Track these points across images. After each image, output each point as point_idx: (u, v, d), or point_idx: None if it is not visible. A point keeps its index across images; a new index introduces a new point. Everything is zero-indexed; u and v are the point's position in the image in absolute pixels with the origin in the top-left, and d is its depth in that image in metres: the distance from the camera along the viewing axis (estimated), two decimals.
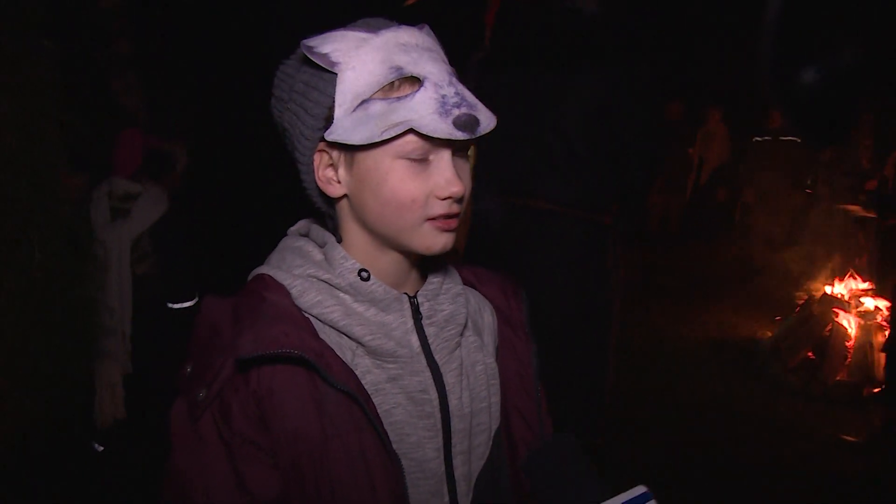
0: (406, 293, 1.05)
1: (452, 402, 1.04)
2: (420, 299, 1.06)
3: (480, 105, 0.97)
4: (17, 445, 2.76)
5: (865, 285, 5.56)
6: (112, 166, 3.34)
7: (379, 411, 0.97)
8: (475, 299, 1.17)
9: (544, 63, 2.45)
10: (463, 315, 1.08)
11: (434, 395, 1.03)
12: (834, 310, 5.40)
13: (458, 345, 1.08)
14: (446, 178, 0.97)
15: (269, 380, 0.94)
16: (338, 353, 0.97)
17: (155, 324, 3.28)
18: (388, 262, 1.04)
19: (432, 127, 0.92)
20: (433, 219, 0.98)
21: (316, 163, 1.00)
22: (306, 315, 1.00)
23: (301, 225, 1.13)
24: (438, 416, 1.03)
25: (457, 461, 1.05)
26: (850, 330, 5.22)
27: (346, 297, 1.02)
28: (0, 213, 2.61)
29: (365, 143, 0.93)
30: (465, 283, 1.15)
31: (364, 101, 0.94)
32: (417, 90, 0.93)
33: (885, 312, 5.16)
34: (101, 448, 3.36)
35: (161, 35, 5.04)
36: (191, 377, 0.98)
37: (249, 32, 4.85)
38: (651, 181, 2.64)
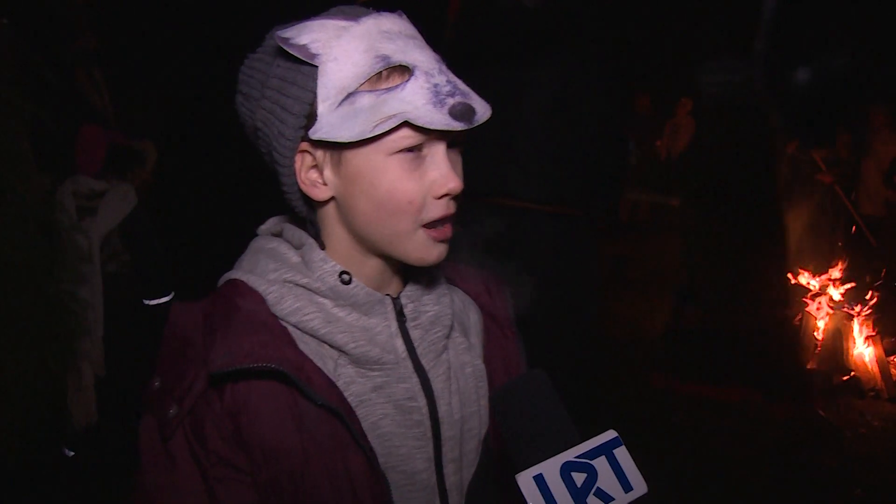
0: (389, 294, 0.99)
1: (442, 408, 0.98)
2: (404, 300, 1.00)
3: (473, 93, 0.91)
4: None
5: (835, 274, 5.64)
6: (76, 164, 3.27)
7: (365, 424, 0.91)
8: (459, 298, 1.10)
9: (500, 59, 2.42)
10: (449, 316, 1.02)
11: (423, 402, 0.97)
12: (804, 300, 5.46)
13: (445, 347, 1.02)
14: (443, 172, 0.90)
15: (245, 395, 0.88)
16: (319, 364, 0.91)
17: (128, 324, 3.21)
18: (371, 268, 0.98)
19: (428, 118, 0.85)
20: (429, 226, 0.92)
21: (297, 164, 0.92)
22: (284, 323, 0.93)
23: (272, 224, 1.05)
24: (428, 424, 0.97)
25: (448, 470, 0.99)
26: (820, 319, 5.29)
27: (326, 301, 0.95)
28: None
29: (355, 139, 0.86)
30: (448, 281, 1.09)
31: (350, 95, 0.87)
32: (408, 80, 0.87)
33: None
34: (72, 454, 3.28)
35: (128, 29, 4.93)
36: (160, 392, 0.91)
37: (219, 26, 4.77)
38: (621, 172, 2.64)
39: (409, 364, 0.97)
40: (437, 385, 0.99)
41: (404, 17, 0.94)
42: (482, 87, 0.92)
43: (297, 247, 0.98)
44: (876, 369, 4.95)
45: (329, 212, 0.96)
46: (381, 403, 0.94)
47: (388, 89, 0.87)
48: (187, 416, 0.88)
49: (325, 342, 0.93)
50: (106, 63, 4.66)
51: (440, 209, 0.92)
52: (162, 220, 3.40)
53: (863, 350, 5.06)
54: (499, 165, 2.47)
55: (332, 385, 0.90)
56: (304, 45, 0.87)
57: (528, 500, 0.79)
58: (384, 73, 0.87)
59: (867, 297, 5.26)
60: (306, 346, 0.92)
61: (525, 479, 0.80)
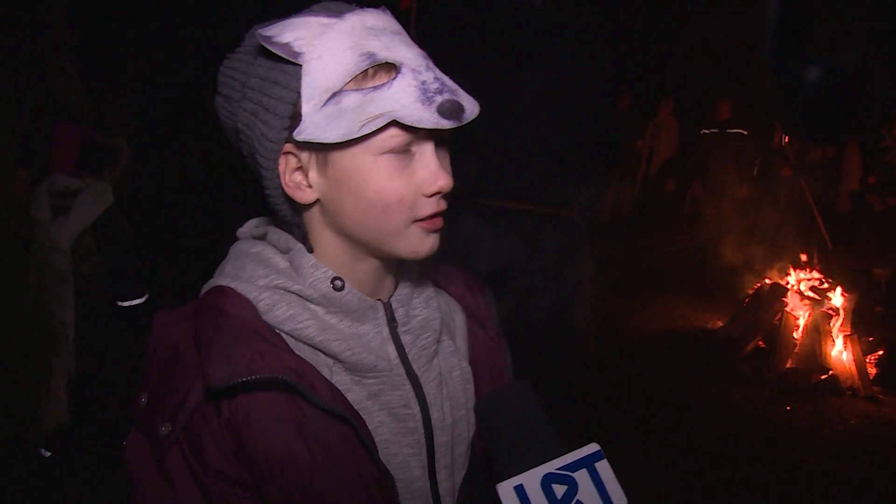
0: (380, 299, 0.97)
1: (434, 414, 0.97)
2: (394, 305, 0.98)
3: (461, 90, 0.89)
4: None
5: (814, 274, 5.69)
6: (51, 162, 3.21)
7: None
8: (445, 301, 1.09)
9: (493, 60, 2.40)
10: (437, 320, 1.01)
11: (416, 409, 0.95)
12: (783, 299, 5.51)
13: (436, 353, 1.01)
14: (431, 171, 0.88)
15: (245, 407, 0.84)
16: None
17: (101, 325, 3.16)
18: (363, 271, 0.95)
19: (416, 117, 0.83)
20: (420, 220, 0.90)
21: (281, 167, 0.89)
22: (277, 331, 0.89)
23: (252, 227, 1.01)
24: (422, 430, 0.96)
25: (441, 476, 0.98)
26: (799, 319, 5.34)
27: (318, 308, 0.92)
28: None
29: (342, 140, 0.84)
30: (435, 284, 1.08)
31: (335, 94, 0.84)
32: (395, 78, 0.85)
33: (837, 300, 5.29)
34: (49, 454, 3.23)
35: (102, 24, 4.85)
36: (149, 408, 0.87)
37: (196, 21, 4.71)
38: (613, 172, 2.63)
39: (402, 371, 0.96)
40: (430, 391, 0.98)
41: (388, 13, 0.91)
42: (473, 88, 0.90)
43: (284, 251, 0.95)
44: (853, 368, 5.00)
45: (314, 215, 0.93)
46: (376, 411, 0.93)
47: (375, 88, 0.84)
48: (181, 432, 0.84)
49: (320, 350, 0.90)
50: (80, 58, 4.58)
51: (431, 207, 0.90)
52: (136, 221, 3.34)
53: (841, 349, 5.11)
54: (491, 166, 2.46)
55: (335, 390, 0.88)
56: (286, 44, 0.84)
57: None
58: (370, 71, 0.85)
59: (845, 296, 5.32)
60: (302, 354, 0.89)
61: (506, 490, 0.80)
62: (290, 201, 0.92)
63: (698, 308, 6.82)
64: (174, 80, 5.04)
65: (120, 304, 3.22)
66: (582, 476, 0.81)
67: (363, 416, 0.90)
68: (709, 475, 3.86)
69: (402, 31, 0.91)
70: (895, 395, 4.95)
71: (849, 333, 5.16)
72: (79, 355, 3.16)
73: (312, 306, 0.92)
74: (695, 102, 8.55)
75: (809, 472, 3.92)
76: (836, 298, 5.33)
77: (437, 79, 0.87)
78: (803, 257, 5.91)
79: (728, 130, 8.15)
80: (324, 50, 0.85)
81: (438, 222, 0.92)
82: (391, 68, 0.85)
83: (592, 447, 0.84)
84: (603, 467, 0.82)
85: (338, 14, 0.87)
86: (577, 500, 0.80)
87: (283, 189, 0.90)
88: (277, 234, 0.96)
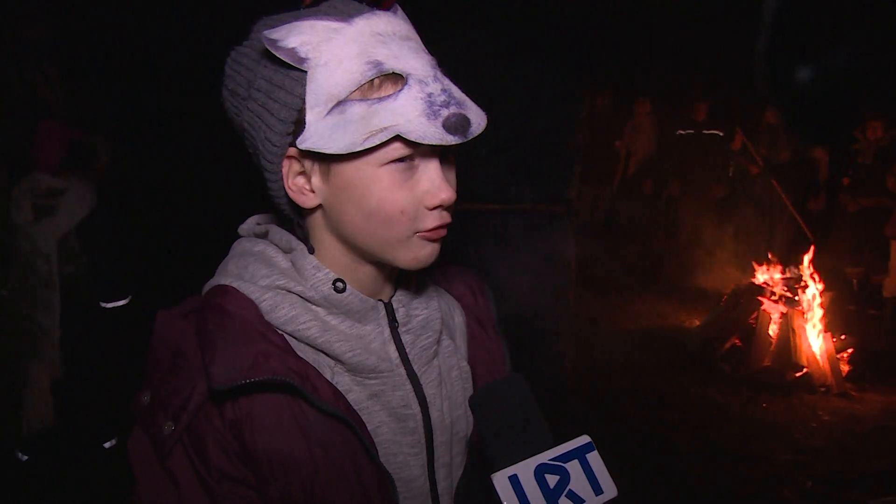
0: (381, 300, 0.97)
1: (434, 414, 0.97)
2: (395, 305, 0.98)
3: (469, 101, 0.86)
4: None
5: (789, 273, 5.77)
6: (33, 162, 3.17)
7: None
8: (445, 300, 1.09)
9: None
10: (438, 321, 1.00)
11: (416, 409, 0.95)
12: (759, 298, 5.59)
13: (436, 353, 1.01)
14: (435, 184, 0.87)
15: (248, 408, 0.84)
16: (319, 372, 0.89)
17: (86, 326, 3.13)
18: (364, 273, 0.94)
19: (421, 132, 0.81)
20: (422, 231, 0.89)
21: (285, 170, 0.88)
22: (280, 332, 0.89)
23: (254, 224, 1.00)
24: (422, 430, 0.96)
25: (439, 475, 0.99)
26: (773, 317, 5.42)
27: (320, 310, 0.92)
28: None
29: (345, 152, 0.83)
30: (435, 283, 1.08)
31: (340, 103, 0.83)
32: (401, 89, 0.83)
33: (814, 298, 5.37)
34: (26, 458, 3.20)
35: (81, 20, 4.80)
36: (151, 407, 0.86)
37: (178, 16, 4.67)
38: (573, 168, 2.67)
39: (403, 370, 0.96)
40: (430, 391, 0.97)
41: (399, 13, 0.89)
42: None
43: (286, 251, 0.95)
44: (827, 366, 5.09)
45: (317, 219, 0.93)
46: (377, 411, 0.93)
47: (380, 99, 0.83)
48: (185, 431, 0.83)
49: (322, 351, 0.90)
50: (58, 55, 4.53)
51: (433, 219, 0.89)
52: (120, 222, 3.31)
53: (815, 347, 5.19)
54: (479, 170, 2.48)
55: (337, 393, 0.88)
56: (292, 49, 0.83)
57: (502, 499, 0.81)
58: (376, 81, 0.83)
59: (817, 294, 5.40)
60: (303, 354, 0.89)
61: (500, 479, 0.82)
62: (293, 202, 0.91)
63: (676, 307, 6.89)
64: (154, 79, 5.00)
65: (104, 305, 3.19)
66: (574, 466, 0.84)
67: (364, 417, 0.90)
68: (686, 471, 3.91)
69: (413, 36, 0.89)
70: (867, 391, 5.04)
71: (822, 331, 5.25)
72: (63, 357, 3.13)
73: (314, 307, 0.92)
74: (672, 104, 8.62)
75: (785, 467, 3.99)
76: (810, 297, 5.41)
77: (444, 90, 0.84)
78: (770, 256, 5.99)
79: (704, 131, 8.25)
80: (330, 56, 0.83)
81: (441, 232, 0.91)
82: (398, 79, 0.84)
83: (584, 439, 0.86)
84: (594, 458, 0.85)
85: (346, 18, 0.85)
86: (570, 490, 0.82)
87: (286, 191, 0.90)
88: (279, 233, 0.96)
